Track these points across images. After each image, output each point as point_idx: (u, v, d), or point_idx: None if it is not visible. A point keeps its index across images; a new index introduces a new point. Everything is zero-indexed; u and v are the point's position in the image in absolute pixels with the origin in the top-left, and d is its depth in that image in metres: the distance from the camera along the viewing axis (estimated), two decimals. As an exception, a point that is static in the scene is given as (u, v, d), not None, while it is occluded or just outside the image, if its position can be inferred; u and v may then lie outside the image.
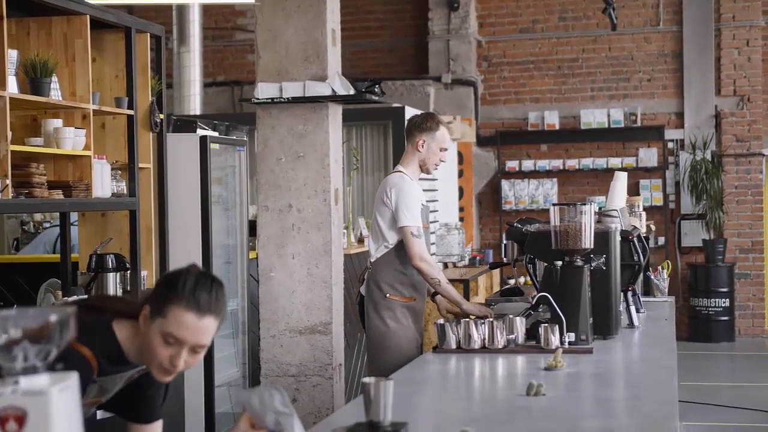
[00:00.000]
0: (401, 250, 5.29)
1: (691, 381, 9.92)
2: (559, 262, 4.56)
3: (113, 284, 5.62)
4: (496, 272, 11.39)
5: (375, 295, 5.40)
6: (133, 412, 3.02)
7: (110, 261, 5.64)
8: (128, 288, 5.84)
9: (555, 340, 4.33)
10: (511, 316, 4.51)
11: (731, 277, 12.66)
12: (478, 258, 11.08)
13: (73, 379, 1.85)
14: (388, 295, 5.36)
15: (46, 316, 1.85)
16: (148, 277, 6.09)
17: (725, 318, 12.57)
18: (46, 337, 1.84)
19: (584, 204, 4.59)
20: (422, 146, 5.42)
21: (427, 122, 5.45)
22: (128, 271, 5.82)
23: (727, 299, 12.56)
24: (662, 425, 2.97)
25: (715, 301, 12.53)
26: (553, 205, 4.63)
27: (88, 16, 5.47)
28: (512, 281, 10.58)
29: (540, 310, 4.58)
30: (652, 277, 6.60)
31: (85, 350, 2.74)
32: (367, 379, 2.86)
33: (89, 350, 2.74)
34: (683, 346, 12.08)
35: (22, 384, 1.81)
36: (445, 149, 5.45)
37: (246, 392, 2.50)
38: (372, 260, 5.45)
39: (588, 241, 4.56)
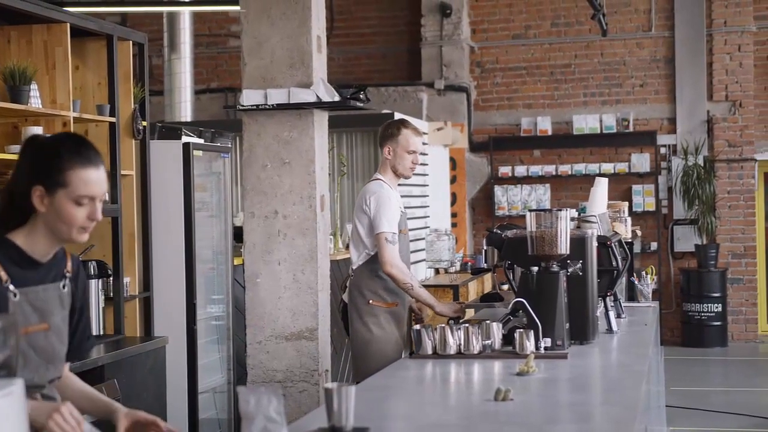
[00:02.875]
0: (382, 256, 5.32)
1: (683, 386, 9.93)
2: (536, 268, 4.57)
3: (95, 291, 5.63)
4: (488, 278, 11.38)
5: (358, 301, 5.43)
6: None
7: (92, 268, 5.65)
8: (111, 295, 5.85)
9: (530, 346, 4.34)
10: (487, 321, 4.52)
11: (724, 282, 12.67)
12: (470, 264, 11.08)
13: (17, 385, 1.86)
14: (370, 301, 5.40)
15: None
16: (131, 284, 6.11)
17: (718, 323, 12.57)
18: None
19: (560, 210, 4.60)
20: (390, 153, 5.47)
21: (388, 129, 5.51)
22: (110, 278, 5.83)
23: (720, 304, 12.56)
24: (620, 429, 2.99)
25: (708, 306, 12.53)
26: (530, 210, 4.65)
27: (68, 24, 5.48)
28: (505, 287, 10.56)
29: (518, 315, 4.59)
30: (636, 282, 6.60)
31: None
32: (328, 385, 2.88)
33: None
34: (676, 351, 12.11)
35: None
36: (413, 152, 5.47)
37: (247, 390, 2.49)
38: (354, 267, 5.49)
39: (564, 247, 4.57)
